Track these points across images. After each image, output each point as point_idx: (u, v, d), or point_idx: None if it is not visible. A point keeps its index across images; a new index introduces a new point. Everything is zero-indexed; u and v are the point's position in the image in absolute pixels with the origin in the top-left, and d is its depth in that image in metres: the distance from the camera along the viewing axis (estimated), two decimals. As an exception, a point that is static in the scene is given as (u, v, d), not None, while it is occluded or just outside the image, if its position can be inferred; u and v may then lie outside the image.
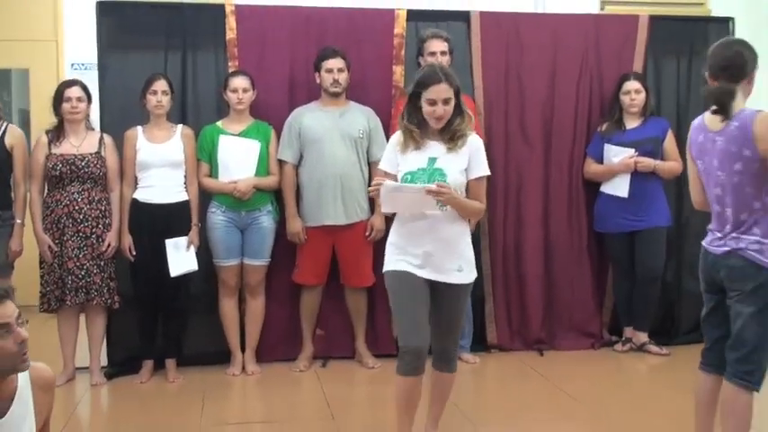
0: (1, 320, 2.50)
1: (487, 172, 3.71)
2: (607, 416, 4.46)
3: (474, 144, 3.67)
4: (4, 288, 2.53)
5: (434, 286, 3.65)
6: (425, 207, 3.54)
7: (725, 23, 5.99)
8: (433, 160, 3.61)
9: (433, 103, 3.57)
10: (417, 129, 3.63)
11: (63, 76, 7.32)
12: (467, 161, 3.62)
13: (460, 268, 3.66)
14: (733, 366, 3.37)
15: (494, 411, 4.62)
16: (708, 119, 3.41)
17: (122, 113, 5.21)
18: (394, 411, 3.76)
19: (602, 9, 7.58)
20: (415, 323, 3.62)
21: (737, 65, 3.32)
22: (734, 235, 3.35)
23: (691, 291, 5.85)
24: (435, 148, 3.64)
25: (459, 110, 3.64)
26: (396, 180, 3.60)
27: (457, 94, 3.61)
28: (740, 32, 5.97)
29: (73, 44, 7.34)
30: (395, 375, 3.67)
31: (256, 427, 4.39)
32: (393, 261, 3.67)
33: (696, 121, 3.53)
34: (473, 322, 5.56)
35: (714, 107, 3.33)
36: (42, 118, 5.56)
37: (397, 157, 3.69)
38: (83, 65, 7.32)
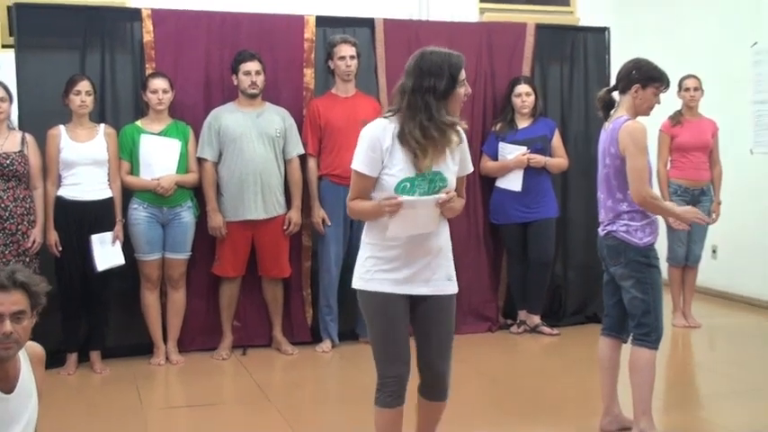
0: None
1: (471, 168, 3.31)
2: (518, 391, 4.87)
3: (462, 138, 3.22)
4: (14, 278, 2.67)
5: (421, 303, 3.22)
6: (434, 222, 3.13)
7: (602, 33, 6.59)
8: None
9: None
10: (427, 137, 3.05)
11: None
12: (458, 159, 3.19)
13: (450, 277, 3.30)
14: (633, 332, 3.90)
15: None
16: (606, 122, 3.98)
17: (40, 113, 5.31)
18: None
19: (481, 14, 8.12)
20: (399, 349, 3.18)
21: (624, 79, 3.91)
22: (608, 219, 3.90)
23: (574, 276, 6.47)
24: None
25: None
26: (378, 186, 3.15)
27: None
28: (616, 40, 6.60)
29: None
30: (373, 407, 3.24)
31: (201, 409, 4.62)
32: (374, 280, 3.17)
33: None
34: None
35: (599, 110, 4.01)
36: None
37: (381, 160, 3.10)
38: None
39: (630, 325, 3.92)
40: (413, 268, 3.16)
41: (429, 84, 3.03)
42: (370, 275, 3.19)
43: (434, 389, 3.32)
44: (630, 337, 3.94)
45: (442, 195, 3.06)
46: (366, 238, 3.24)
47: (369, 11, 6.36)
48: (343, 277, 5.69)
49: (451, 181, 3.14)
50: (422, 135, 3.03)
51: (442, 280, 3.26)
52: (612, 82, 4.07)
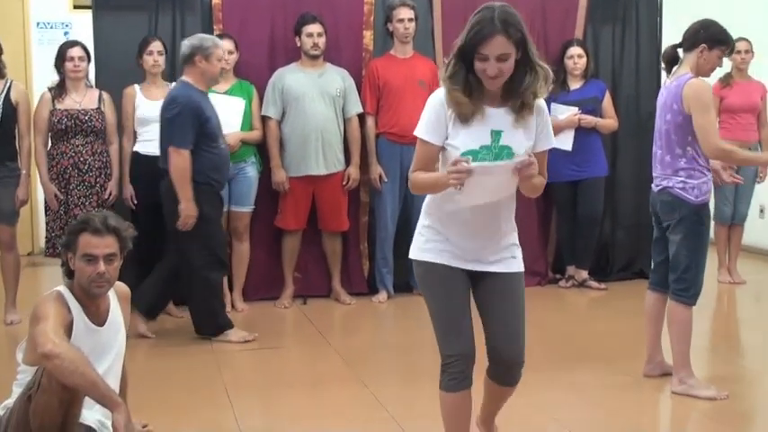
0: (91, 251, 2.94)
1: (554, 142, 3.10)
2: (567, 340, 5.12)
3: (541, 110, 2.93)
4: (107, 223, 2.96)
5: (482, 280, 2.96)
6: (508, 190, 2.86)
7: (655, -4, 6.71)
8: (497, 134, 2.81)
9: (484, 59, 2.72)
10: (469, 94, 2.78)
11: (28, 34, 7.62)
12: (533, 133, 2.89)
13: (514, 255, 2.98)
14: (672, 285, 4.07)
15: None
16: (668, 78, 4.11)
17: (116, 72, 5.61)
18: None
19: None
20: (459, 325, 2.94)
21: (689, 38, 4.03)
22: (664, 175, 4.04)
23: (622, 234, 6.66)
24: (498, 117, 2.82)
25: (526, 67, 2.81)
26: (442, 159, 2.89)
27: (522, 47, 2.75)
28: (668, 3, 6.71)
29: (38, 3, 7.64)
30: (438, 391, 2.99)
31: (268, 351, 4.93)
32: (432, 251, 2.93)
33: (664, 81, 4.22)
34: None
35: (663, 64, 4.15)
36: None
37: (446, 127, 2.84)
38: (48, 24, 7.63)
39: (671, 278, 4.07)
40: (475, 243, 2.90)
41: (463, 41, 2.76)
42: (428, 246, 2.94)
43: (503, 376, 3.05)
44: (670, 291, 4.09)
45: (523, 158, 2.74)
46: (427, 208, 2.99)
47: None
48: (398, 232, 5.96)
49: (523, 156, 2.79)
50: (462, 91, 2.78)
51: (506, 258, 2.95)
52: (665, 45, 4.21)
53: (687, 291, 4.02)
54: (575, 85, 6.30)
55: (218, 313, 5.05)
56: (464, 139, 2.81)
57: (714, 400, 3.95)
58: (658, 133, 4.08)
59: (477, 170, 2.67)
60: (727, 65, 6.56)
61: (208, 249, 4.94)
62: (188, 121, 4.77)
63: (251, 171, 5.71)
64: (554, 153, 6.08)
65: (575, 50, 6.26)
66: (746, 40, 6.50)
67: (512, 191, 2.88)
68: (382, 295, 6.01)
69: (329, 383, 4.30)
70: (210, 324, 5.02)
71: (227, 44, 5.58)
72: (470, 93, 2.79)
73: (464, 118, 2.81)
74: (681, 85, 3.93)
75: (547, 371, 4.43)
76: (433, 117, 2.87)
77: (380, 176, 5.90)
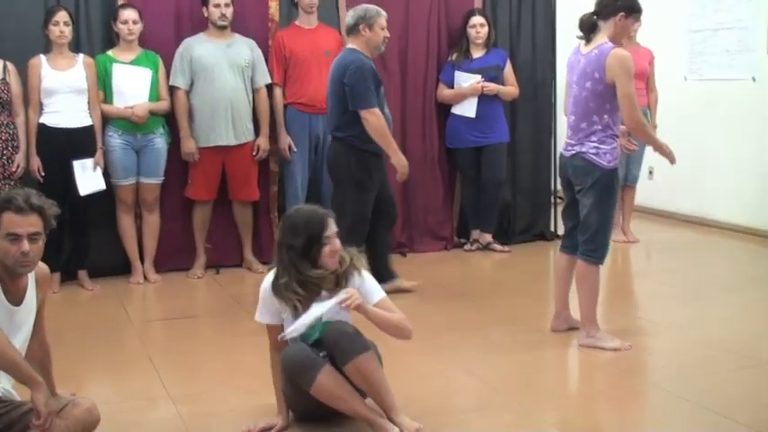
0: (14, 229, 2.87)
1: (383, 293, 3.34)
2: (474, 302, 5.30)
3: (361, 279, 3.31)
4: (30, 201, 2.90)
5: None
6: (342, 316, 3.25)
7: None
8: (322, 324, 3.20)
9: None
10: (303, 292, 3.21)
11: None
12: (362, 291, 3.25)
13: None
14: (582, 246, 4.28)
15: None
16: (582, 45, 4.24)
17: (20, 42, 5.49)
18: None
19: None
20: None
21: (607, 6, 4.13)
22: (578, 140, 4.20)
23: (522, 198, 6.92)
24: (322, 305, 3.16)
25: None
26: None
27: None
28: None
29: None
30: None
31: (184, 321, 5.00)
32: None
33: (575, 47, 4.34)
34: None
35: (580, 33, 4.22)
36: None
37: (279, 310, 3.30)
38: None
39: (580, 239, 4.27)
40: None
41: (289, 242, 3.21)
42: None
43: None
44: (579, 252, 4.30)
45: (340, 298, 3.11)
46: None
47: None
48: (307, 199, 6.03)
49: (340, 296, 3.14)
50: (300, 287, 3.19)
51: None
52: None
53: (596, 251, 4.22)
54: (477, 53, 6.48)
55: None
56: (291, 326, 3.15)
57: (618, 350, 4.21)
58: (574, 99, 4.21)
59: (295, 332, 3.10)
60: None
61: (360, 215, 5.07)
62: (370, 83, 4.97)
63: (160, 142, 5.69)
64: (458, 120, 6.51)
65: (477, 20, 6.43)
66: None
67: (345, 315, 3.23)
68: (293, 264, 6.08)
69: (246, 348, 4.28)
70: None
71: (130, 14, 5.56)
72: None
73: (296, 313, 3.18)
74: (604, 54, 4.05)
75: (461, 330, 4.63)
76: (263, 305, 3.33)
77: (289, 146, 5.97)
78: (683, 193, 7.67)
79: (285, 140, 5.96)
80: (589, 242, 4.23)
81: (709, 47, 7.48)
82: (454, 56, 6.49)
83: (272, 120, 5.97)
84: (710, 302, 5.18)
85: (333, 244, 3.21)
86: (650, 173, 7.71)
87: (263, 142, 5.89)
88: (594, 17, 4.18)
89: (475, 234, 6.68)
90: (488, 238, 6.63)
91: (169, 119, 5.77)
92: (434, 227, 6.69)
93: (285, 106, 5.98)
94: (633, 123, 4.10)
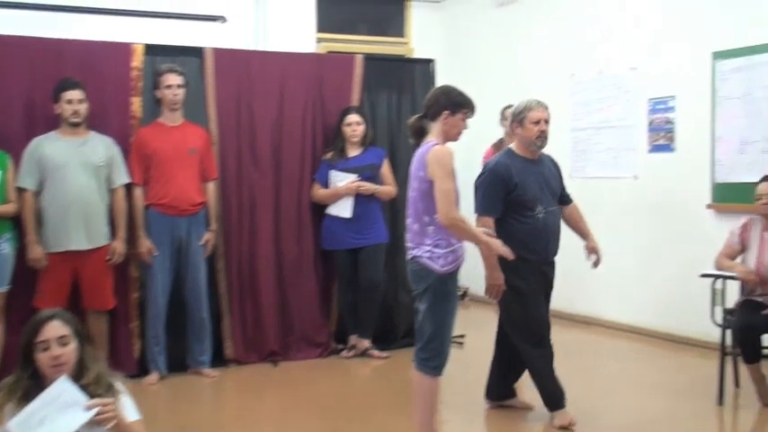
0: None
1: (138, 416, 3.04)
2: (347, 416, 4.98)
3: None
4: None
5: None
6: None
7: (427, 64, 6.82)
8: None
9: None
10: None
11: None
12: None
13: None
14: (416, 355, 4.03)
15: (234, 422, 5.00)
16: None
17: None
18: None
19: (318, 44, 8.29)
20: None
21: (431, 106, 4.06)
22: (414, 243, 4.01)
23: (404, 300, 6.64)
24: None
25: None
26: None
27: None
28: (440, 71, 6.85)
29: None
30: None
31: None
32: None
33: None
34: (212, 338, 5.92)
35: (411, 137, 4.18)
36: None
37: None
38: None
39: (415, 347, 4.04)
40: None
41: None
42: None
43: None
44: (413, 360, 4.04)
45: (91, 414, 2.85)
46: None
47: (206, 40, 6.42)
48: (171, 307, 5.68)
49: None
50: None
51: None
52: None
53: (430, 361, 3.98)
54: (353, 152, 6.27)
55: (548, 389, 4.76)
56: None
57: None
58: (409, 201, 4.07)
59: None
60: (499, 130, 6.80)
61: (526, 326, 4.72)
62: None
63: (6, 248, 5.25)
64: (334, 221, 6.24)
65: (353, 117, 6.25)
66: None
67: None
68: (153, 376, 5.66)
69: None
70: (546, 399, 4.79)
71: (-23, 111, 5.18)
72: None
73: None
74: (425, 152, 3.94)
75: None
76: None
77: (149, 250, 5.61)
78: (572, 293, 7.50)
79: (145, 244, 5.60)
80: (423, 350, 4.00)
81: (591, 145, 7.45)
82: (329, 154, 6.27)
83: (131, 222, 5.61)
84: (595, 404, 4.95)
85: (51, 351, 2.91)
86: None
87: (119, 246, 5.51)
88: (423, 119, 4.09)
89: (353, 340, 6.37)
90: (366, 343, 6.32)
91: (19, 222, 5.36)
92: (310, 333, 6.35)
93: (146, 207, 5.64)
94: (447, 221, 3.86)
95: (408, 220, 4.07)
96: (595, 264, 4.87)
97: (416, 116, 4.17)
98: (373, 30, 8.87)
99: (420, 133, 4.11)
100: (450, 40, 8.99)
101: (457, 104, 4.05)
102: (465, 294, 8.78)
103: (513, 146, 4.81)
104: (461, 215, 3.91)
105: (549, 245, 4.73)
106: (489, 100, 7.52)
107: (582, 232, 4.98)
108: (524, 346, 4.71)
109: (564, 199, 4.97)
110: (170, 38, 6.54)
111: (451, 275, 3.94)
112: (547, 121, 4.69)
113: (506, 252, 4.01)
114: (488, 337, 6.52)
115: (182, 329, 5.81)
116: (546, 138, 4.73)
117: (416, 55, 8.32)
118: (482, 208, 4.67)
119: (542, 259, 4.70)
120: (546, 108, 4.73)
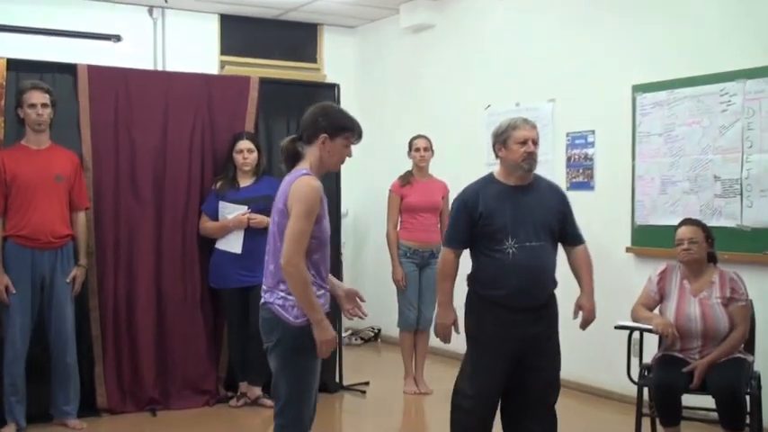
0: None
1: None
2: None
3: None
4: None
5: None
6: None
7: (331, 89, 6.35)
8: None
9: None
10: None
11: None
12: None
13: None
14: (274, 420, 3.38)
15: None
16: None
17: None
18: None
19: (222, 68, 7.81)
20: None
21: (307, 128, 3.45)
22: (268, 287, 3.40)
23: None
24: None
25: None
26: None
27: None
28: (349, 95, 6.41)
29: None
30: None
31: None
32: None
33: None
34: (80, 386, 5.31)
35: (282, 162, 3.50)
36: None
37: None
38: None
39: (274, 411, 3.41)
40: None
41: None
42: None
43: None
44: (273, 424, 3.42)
45: None
46: None
47: (102, 59, 5.96)
48: (33, 352, 5.07)
49: None
50: None
51: None
52: None
53: (287, 429, 3.35)
54: (245, 182, 5.76)
55: None
56: None
57: None
58: (268, 237, 3.45)
59: None
60: (407, 163, 6.35)
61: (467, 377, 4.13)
62: None
63: None
64: (223, 256, 5.66)
65: (244, 144, 5.73)
66: (425, 137, 6.32)
67: None
68: (9, 429, 5.02)
69: None
70: None
71: None
72: None
73: None
74: (290, 182, 3.35)
75: None
76: None
77: (7, 287, 4.99)
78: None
79: (2, 280, 4.99)
80: (278, 416, 3.37)
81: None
82: (219, 184, 5.74)
83: (-13, 255, 5.00)
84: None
85: None
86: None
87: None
88: (298, 141, 3.48)
89: (243, 387, 5.80)
90: (257, 391, 5.75)
91: None
92: (195, 379, 5.77)
93: (4, 239, 5.03)
94: (290, 267, 3.23)
95: (266, 259, 3.46)
96: (582, 324, 4.16)
97: (290, 138, 3.54)
98: (285, 55, 8.40)
99: (294, 158, 3.48)
100: (365, 68, 8.55)
101: (338, 127, 3.43)
102: (377, 336, 8.28)
103: (495, 170, 4.18)
104: (305, 267, 3.26)
105: (523, 287, 3.94)
106: (402, 129, 7.11)
107: (579, 282, 4.21)
108: (453, 397, 4.15)
109: (569, 238, 4.21)
110: (62, 57, 5.99)
111: (306, 330, 3.30)
112: (535, 142, 4.02)
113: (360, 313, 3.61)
114: (396, 383, 6.09)
115: (46, 376, 5.20)
116: (535, 160, 4.03)
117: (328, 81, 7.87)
118: (445, 238, 4.16)
119: (513, 304, 3.96)
120: (534, 127, 4.07)
